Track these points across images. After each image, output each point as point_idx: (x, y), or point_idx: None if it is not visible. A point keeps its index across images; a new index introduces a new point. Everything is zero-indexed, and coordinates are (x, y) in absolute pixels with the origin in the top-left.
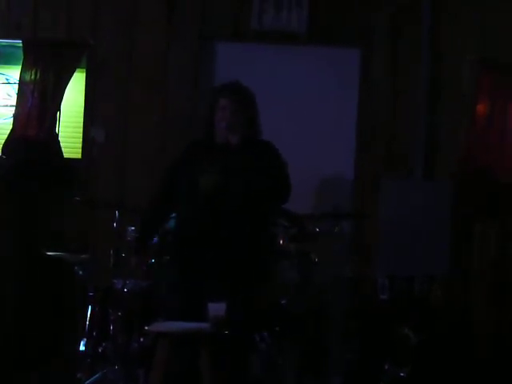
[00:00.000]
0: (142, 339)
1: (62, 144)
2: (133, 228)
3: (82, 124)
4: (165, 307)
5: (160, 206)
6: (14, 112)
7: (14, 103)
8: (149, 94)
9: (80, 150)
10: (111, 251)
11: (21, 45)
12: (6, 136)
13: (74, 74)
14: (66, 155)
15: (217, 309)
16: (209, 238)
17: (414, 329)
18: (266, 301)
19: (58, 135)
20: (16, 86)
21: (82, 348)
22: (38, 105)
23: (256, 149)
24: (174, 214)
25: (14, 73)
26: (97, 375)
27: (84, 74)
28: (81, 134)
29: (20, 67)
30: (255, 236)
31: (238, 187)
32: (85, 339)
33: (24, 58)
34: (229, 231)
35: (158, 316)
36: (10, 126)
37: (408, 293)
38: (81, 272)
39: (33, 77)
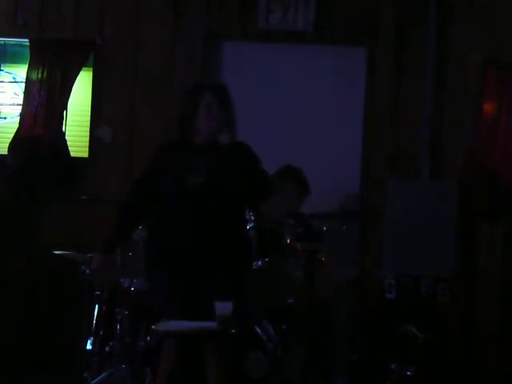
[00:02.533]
0: (148, 338)
1: (68, 143)
2: (139, 227)
3: (88, 123)
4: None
5: (139, 206)
6: (20, 111)
7: (21, 102)
8: (155, 94)
9: (86, 149)
10: (118, 250)
11: (27, 44)
12: (12, 135)
13: (81, 72)
14: (72, 154)
15: (223, 308)
16: (195, 240)
17: (420, 328)
18: (252, 297)
19: (64, 134)
20: (23, 85)
21: (88, 347)
22: (44, 104)
23: (237, 149)
24: None
25: (20, 72)
26: (103, 374)
27: (91, 73)
28: (87, 133)
29: (27, 66)
30: (238, 236)
31: (225, 187)
32: (92, 338)
33: (31, 57)
34: (215, 231)
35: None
36: (17, 125)
37: (414, 292)
38: (88, 271)
39: (39, 76)
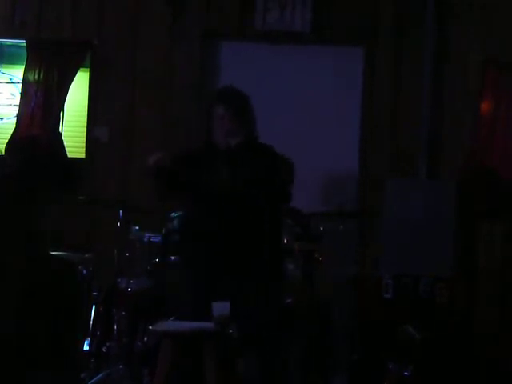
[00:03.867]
0: (145, 339)
1: (65, 143)
2: (136, 227)
3: (85, 123)
4: (176, 306)
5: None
6: (17, 111)
7: (18, 103)
8: (152, 94)
9: (83, 150)
10: (115, 250)
11: (24, 44)
12: (9, 135)
13: (78, 73)
14: (69, 154)
15: (221, 308)
16: (218, 237)
17: (417, 328)
18: (278, 299)
19: (61, 134)
20: (19, 86)
21: (85, 347)
22: (41, 104)
23: (257, 151)
24: (176, 214)
25: (17, 72)
26: (101, 375)
27: (87, 74)
28: (84, 134)
29: (23, 67)
30: (262, 233)
31: (241, 188)
32: (89, 339)
33: (27, 58)
34: (236, 229)
35: (164, 315)
36: (14, 126)
37: (412, 292)
38: (85, 271)
39: (36, 76)
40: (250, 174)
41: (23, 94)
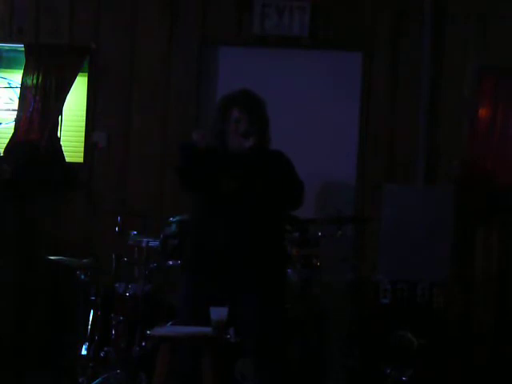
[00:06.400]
0: (143, 343)
1: (63, 148)
2: (135, 232)
3: (83, 128)
4: (174, 311)
5: None
6: (15, 116)
7: (16, 107)
8: (151, 99)
9: (82, 154)
10: (113, 256)
11: (23, 49)
12: (7, 140)
13: (76, 78)
14: (67, 159)
15: (219, 313)
16: (228, 240)
17: (415, 333)
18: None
19: (59, 139)
20: (18, 91)
21: (83, 352)
22: (39, 109)
23: (269, 155)
24: (174, 219)
25: (15, 77)
26: (99, 379)
27: (86, 79)
28: (83, 138)
29: (22, 71)
30: (274, 237)
31: (254, 189)
32: (87, 343)
33: (26, 62)
34: (248, 232)
35: (163, 320)
36: (12, 130)
37: (410, 297)
38: (83, 276)
39: (34, 81)
40: (263, 177)
41: (21, 98)
